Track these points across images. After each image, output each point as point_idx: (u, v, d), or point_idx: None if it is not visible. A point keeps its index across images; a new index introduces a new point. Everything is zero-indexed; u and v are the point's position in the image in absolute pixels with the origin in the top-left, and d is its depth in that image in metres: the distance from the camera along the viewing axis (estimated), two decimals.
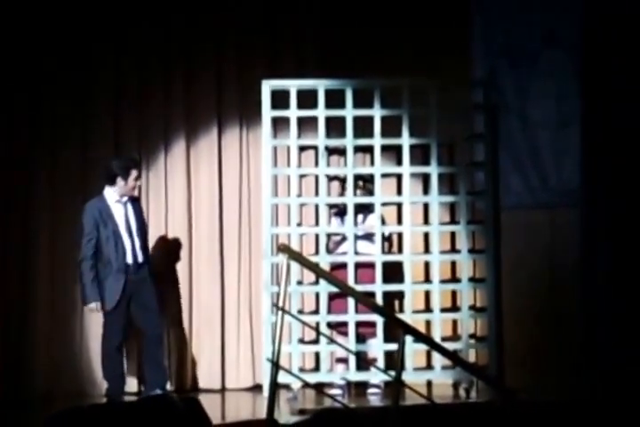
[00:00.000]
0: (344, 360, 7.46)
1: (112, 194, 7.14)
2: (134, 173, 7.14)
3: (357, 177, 7.58)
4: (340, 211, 7.68)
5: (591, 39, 7.58)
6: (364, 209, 7.58)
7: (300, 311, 7.58)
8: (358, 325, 7.35)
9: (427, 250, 7.83)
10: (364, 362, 7.20)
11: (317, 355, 7.60)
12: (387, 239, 7.63)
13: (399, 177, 7.72)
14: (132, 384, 7.57)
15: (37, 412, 6.82)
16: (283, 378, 6.03)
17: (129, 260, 7.08)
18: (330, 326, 7.45)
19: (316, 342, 7.58)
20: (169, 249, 7.93)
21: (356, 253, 7.47)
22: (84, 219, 7.07)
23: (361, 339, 7.43)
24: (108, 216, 7.08)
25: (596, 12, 7.61)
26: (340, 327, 7.41)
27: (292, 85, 7.58)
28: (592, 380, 7.25)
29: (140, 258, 7.12)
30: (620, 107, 7.35)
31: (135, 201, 7.29)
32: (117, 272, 7.02)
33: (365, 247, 7.55)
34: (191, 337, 7.91)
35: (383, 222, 7.58)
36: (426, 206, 7.84)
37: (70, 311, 7.78)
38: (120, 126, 7.98)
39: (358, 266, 7.43)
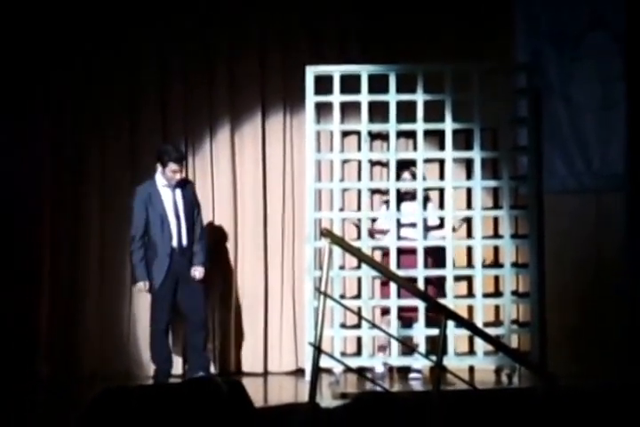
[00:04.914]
0: (384, 348, 7.47)
1: (161, 179, 7.22)
2: (172, 166, 7.13)
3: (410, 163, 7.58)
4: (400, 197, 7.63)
5: (636, 21, 7.49)
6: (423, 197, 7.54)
7: (342, 296, 7.60)
8: (406, 309, 7.37)
9: (469, 235, 7.80)
10: (407, 347, 7.21)
11: (359, 339, 7.62)
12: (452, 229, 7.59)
13: (442, 162, 7.70)
14: (177, 367, 7.62)
15: (84, 392, 6.91)
16: (325, 362, 6.04)
17: (174, 243, 7.15)
18: (385, 312, 7.47)
19: (357, 326, 7.60)
20: (214, 234, 7.96)
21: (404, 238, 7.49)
22: (135, 202, 7.19)
23: (407, 323, 7.45)
24: (156, 200, 7.16)
25: None
26: (400, 312, 7.38)
27: (336, 71, 7.58)
28: (637, 366, 7.20)
29: (185, 242, 7.19)
30: None
31: (187, 186, 7.35)
32: (162, 255, 7.11)
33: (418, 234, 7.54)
34: (235, 321, 7.96)
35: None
36: (469, 191, 7.81)
37: (119, 293, 7.89)
38: (166, 113, 8.04)
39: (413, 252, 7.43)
